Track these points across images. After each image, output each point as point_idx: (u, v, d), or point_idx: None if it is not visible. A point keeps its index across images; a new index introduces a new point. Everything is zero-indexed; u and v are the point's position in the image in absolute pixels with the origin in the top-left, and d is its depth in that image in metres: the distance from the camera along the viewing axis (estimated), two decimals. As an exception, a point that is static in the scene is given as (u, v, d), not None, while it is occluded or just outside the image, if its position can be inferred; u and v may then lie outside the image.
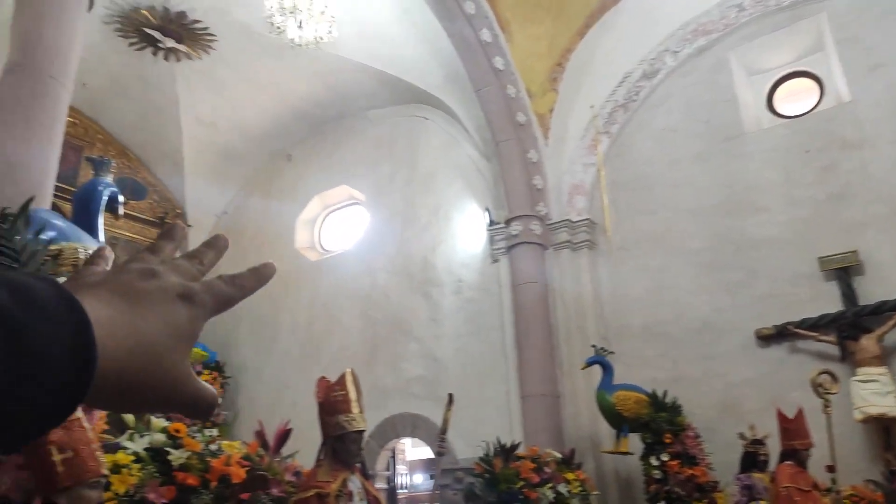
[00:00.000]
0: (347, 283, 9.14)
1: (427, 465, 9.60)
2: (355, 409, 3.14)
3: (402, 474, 9.35)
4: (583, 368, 6.77)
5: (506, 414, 7.30)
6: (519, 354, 7.36)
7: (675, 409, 6.30)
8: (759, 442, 5.38)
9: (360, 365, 8.17)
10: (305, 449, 4.55)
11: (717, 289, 7.00)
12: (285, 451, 4.66)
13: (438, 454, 3.27)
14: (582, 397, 7.15)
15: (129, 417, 3.97)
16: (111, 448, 3.53)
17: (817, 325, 6.22)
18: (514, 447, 6.22)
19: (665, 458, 6.02)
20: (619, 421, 6.38)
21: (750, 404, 6.27)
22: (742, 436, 5.45)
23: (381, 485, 7.99)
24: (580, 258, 7.82)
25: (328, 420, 3.12)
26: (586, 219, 7.87)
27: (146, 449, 3.60)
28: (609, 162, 7.83)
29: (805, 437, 4.24)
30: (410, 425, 7.85)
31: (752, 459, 5.38)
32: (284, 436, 4.50)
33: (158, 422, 3.80)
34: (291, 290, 9.68)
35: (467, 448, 6.91)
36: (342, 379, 3.28)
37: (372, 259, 9.07)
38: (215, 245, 0.52)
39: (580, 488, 6.20)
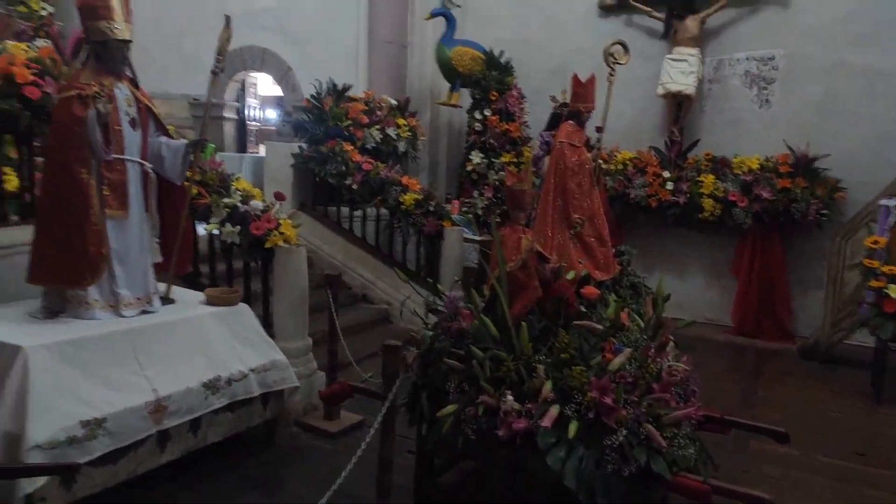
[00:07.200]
0: None
1: (278, 101, 9.76)
2: (118, 18, 3.04)
3: (252, 107, 9.52)
4: (426, 19, 6.70)
5: (353, 59, 7.32)
6: (372, -3, 7.07)
7: (506, 69, 6.58)
8: (565, 105, 5.87)
9: (206, -11, 7.59)
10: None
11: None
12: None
13: (213, 72, 3.34)
14: (428, 49, 7.23)
15: None
16: None
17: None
18: (346, 88, 6.43)
19: (487, 113, 6.50)
20: (454, 75, 6.63)
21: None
22: (553, 98, 5.91)
23: (230, 114, 8.21)
24: None
25: (90, 25, 3.04)
26: None
27: None
28: None
29: (590, 101, 4.65)
30: (259, 59, 7.76)
31: (558, 119, 5.93)
32: (79, 43, 4.36)
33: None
34: None
35: (313, 88, 7.03)
36: (103, -17, 3.08)
37: None
38: None
39: (409, 133, 6.71)
